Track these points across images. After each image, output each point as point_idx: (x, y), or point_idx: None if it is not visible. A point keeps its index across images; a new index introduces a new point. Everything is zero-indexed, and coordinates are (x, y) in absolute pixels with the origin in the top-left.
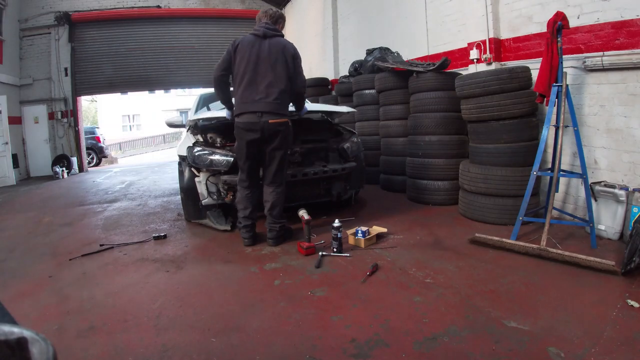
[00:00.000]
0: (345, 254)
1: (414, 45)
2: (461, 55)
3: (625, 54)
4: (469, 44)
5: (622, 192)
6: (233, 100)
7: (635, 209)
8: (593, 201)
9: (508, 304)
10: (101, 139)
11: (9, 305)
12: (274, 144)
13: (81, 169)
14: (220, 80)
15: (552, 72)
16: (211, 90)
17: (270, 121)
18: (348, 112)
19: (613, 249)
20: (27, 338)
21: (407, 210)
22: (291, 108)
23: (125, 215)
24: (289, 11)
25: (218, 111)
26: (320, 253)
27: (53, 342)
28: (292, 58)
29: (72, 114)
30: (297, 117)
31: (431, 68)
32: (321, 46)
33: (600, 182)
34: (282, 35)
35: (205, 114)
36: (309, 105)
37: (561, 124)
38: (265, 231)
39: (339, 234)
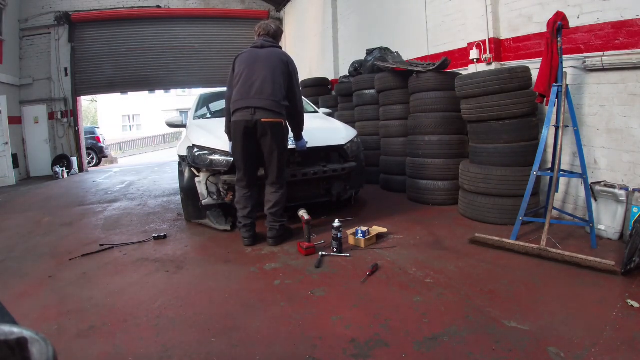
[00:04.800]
0: (345, 254)
1: (414, 45)
2: (461, 55)
3: (625, 54)
4: (469, 44)
5: (622, 192)
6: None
7: (635, 209)
8: (593, 201)
9: (508, 304)
10: (101, 139)
11: (9, 305)
12: (268, 144)
13: (81, 169)
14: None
15: (552, 72)
16: (211, 90)
17: (263, 120)
18: (350, 143)
19: (613, 249)
20: (27, 338)
21: (407, 210)
22: (291, 144)
23: (125, 215)
24: (289, 11)
25: (217, 138)
26: (320, 253)
27: (53, 342)
28: (287, 65)
29: (72, 114)
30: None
31: (431, 68)
32: (321, 46)
33: (600, 182)
34: (280, 48)
35: (202, 136)
36: (308, 137)
37: (561, 124)
38: (265, 231)
39: (339, 234)
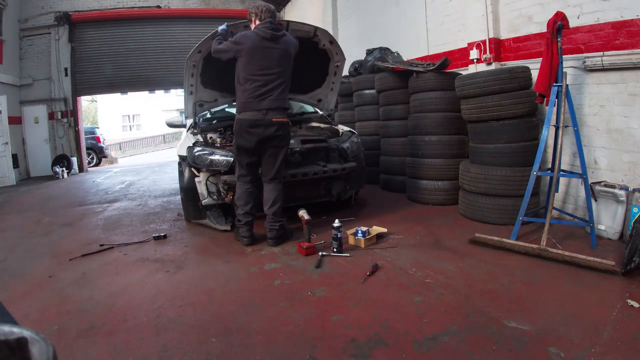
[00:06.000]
0: (345, 254)
1: (414, 45)
2: (461, 55)
3: (625, 54)
4: (469, 44)
5: (622, 192)
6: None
7: (635, 209)
8: (593, 201)
9: (508, 304)
10: (101, 139)
11: (9, 305)
12: (276, 141)
13: (81, 169)
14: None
15: (552, 72)
16: None
17: (274, 119)
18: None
19: (613, 249)
20: (27, 338)
21: (407, 211)
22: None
23: (125, 215)
24: (289, 11)
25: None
26: (320, 253)
27: (53, 342)
28: (295, 50)
29: (72, 114)
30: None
31: (431, 68)
32: None
33: (600, 182)
34: (285, 32)
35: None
36: None
37: (561, 124)
38: (264, 232)
39: (339, 234)
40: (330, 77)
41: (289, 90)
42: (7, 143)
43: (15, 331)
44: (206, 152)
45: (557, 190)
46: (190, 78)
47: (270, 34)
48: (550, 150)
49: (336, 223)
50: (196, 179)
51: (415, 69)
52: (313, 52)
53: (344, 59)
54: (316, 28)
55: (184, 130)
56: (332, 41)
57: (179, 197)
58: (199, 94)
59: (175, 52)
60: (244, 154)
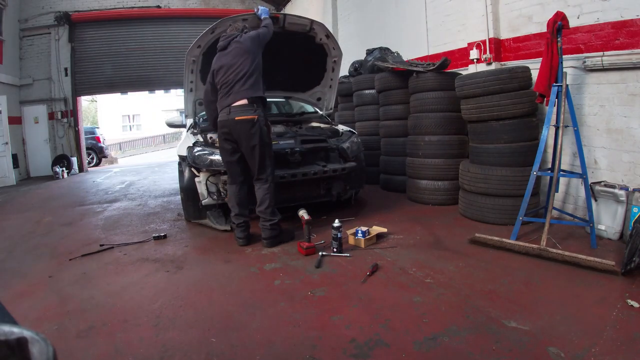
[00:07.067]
0: (345, 254)
1: (414, 45)
2: (461, 55)
3: (625, 54)
4: (469, 44)
5: (622, 192)
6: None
7: (635, 209)
8: (593, 201)
9: (508, 304)
10: (101, 139)
11: (9, 305)
12: (246, 140)
13: (81, 169)
14: (207, 105)
15: (552, 72)
16: None
17: (236, 118)
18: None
19: (613, 249)
20: (27, 338)
21: (407, 211)
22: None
23: (125, 215)
24: (288, 11)
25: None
26: (320, 253)
27: (53, 342)
28: (251, 40)
29: (72, 114)
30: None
31: (431, 68)
32: None
33: (600, 182)
34: (240, 33)
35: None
36: None
37: (561, 124)
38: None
39: (339, 234)
40: (328, 74)
41: (255, 80)
42: (7, 143)
43: (15, 331)
44: (206, 152)
45: (557, 190)
46: (190, 74)
47: (222, 44)
48: (550, 150)
49: (336, 223)
50: (196, 179)
51: (415, 69)
52: (310, 49)
53: (341, 53)
54: (312, 21)
55: (184, 130)
56: (329, 35)
57: (179, 197)
58: (199, 91)
59: (175, 52)
60: (224, 154)
